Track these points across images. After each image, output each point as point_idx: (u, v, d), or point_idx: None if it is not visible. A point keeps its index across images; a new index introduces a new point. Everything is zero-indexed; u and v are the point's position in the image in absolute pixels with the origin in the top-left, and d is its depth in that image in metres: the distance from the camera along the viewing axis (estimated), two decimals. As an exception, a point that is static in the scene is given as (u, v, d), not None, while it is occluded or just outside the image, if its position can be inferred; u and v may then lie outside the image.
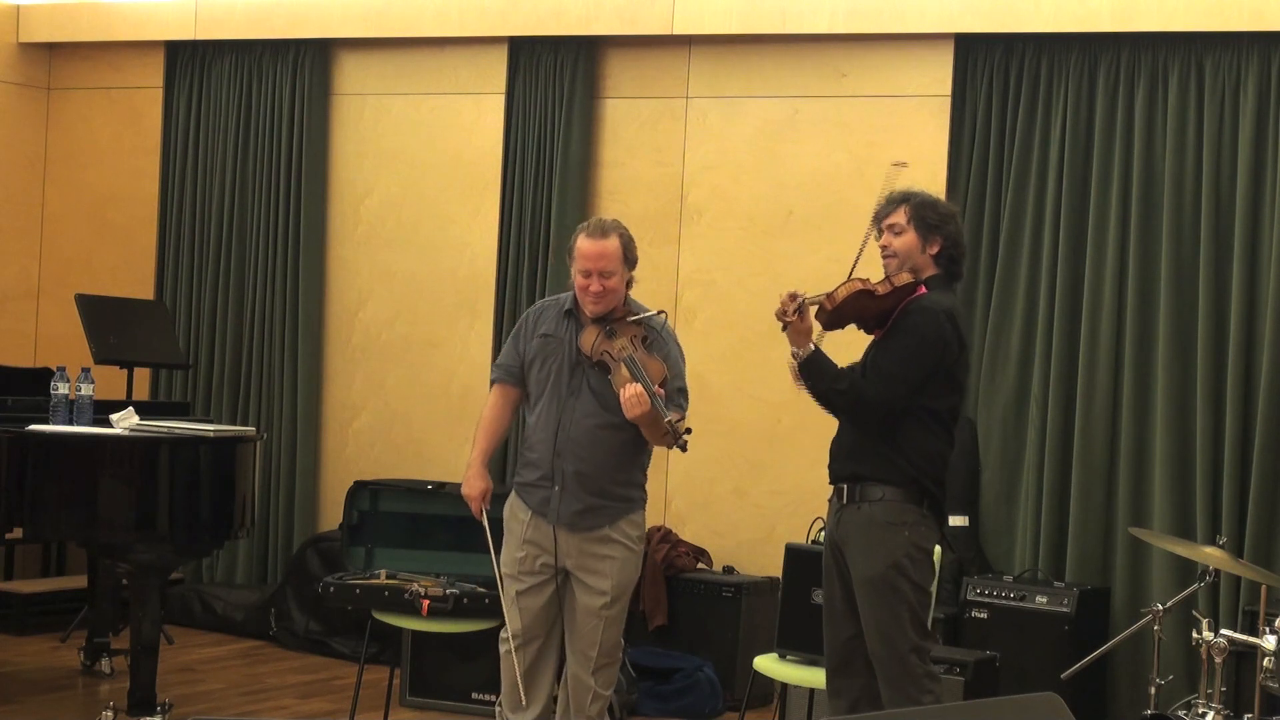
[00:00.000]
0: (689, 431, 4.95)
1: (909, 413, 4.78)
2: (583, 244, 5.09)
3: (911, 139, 7.18)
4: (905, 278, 4.81)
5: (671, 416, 4.92)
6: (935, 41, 7.12)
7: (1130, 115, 6.85)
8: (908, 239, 4.86)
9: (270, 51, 8.42)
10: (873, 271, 4.87)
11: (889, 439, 4.78)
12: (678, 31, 7.49)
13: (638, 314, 5.15)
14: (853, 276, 4.79)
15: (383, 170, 8.23)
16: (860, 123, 7.29)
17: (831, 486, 4.97)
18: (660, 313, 5.20)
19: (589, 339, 5.09)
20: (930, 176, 7.10)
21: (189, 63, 8.65)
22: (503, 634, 5.24)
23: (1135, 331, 6.81)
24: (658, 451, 7.45)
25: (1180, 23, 6.66)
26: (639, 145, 7.71)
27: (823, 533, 5.15)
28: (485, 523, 5.28)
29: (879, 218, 4.94)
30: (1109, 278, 6.84)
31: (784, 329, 4.76)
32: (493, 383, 5.38)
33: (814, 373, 4.78)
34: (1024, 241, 7.00)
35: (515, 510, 5.22)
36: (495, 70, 7.92)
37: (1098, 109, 6.89)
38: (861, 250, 4.86)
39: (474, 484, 5.28)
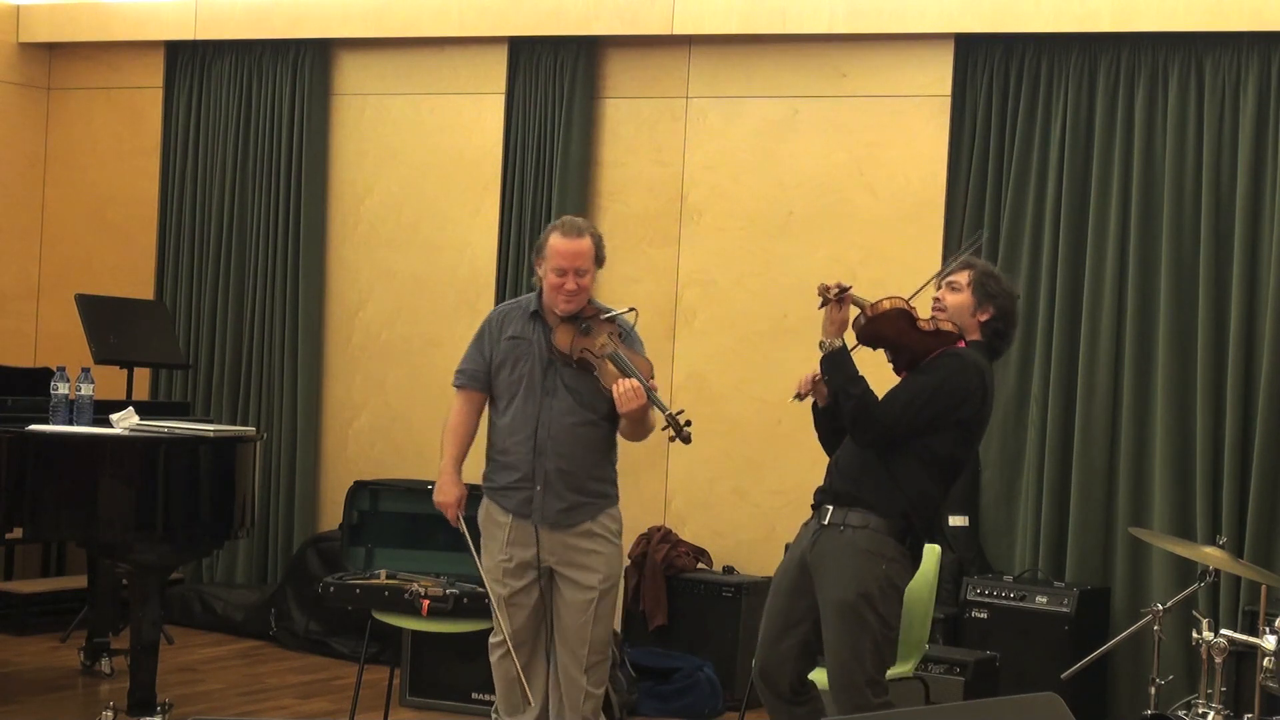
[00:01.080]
0: (689, 423, 4.95)
1: (913, 452, 4.76)
2: (558, 243, 5.13)
3: (911, 139, 7.18)
4: (950, 326, 4.81)
5: (670, 409, 4.94)
6: (935, 41, 7.12)
7: (1130, 115, 6.85)
8: (962, 299, 4.86)
9: (270, 51, 8.42)
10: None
11: (888, 471, 4.77)
12: (678, 31, 7.49)
13: (606, 312, 5.19)
14: (899, 295, 4.78)
15: (383, 170, 8.23)
16: (860, 123, 7.28)
17: (813, 509, 4.95)
18: (630, 310, 5.25)
19: (565, 338, 5.11)
20: (930, 176, 7.12)
21: (189, 63, 8.65)
22: (492, 639, 5.26)
23: (1135, 331, 6.81)
24: (657, 451, 7.49)
25: (1180, 23, 6.66)
26: (639, 145, 7.71)
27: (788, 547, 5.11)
28: (464, 528, 5.28)
29: (943, 274, 4.96)
30: (1109, 278, 6.84)
31: (821, 305, 4.74)
32: (456, 388, 5.35)
33: (834, 367, 4.77)
34: (1024, 241, 7.00)
35: (493, 514, 5.23)
36: (495, 70, 7.92)
37: (1098, 109, 6.89)
38: (919, 290, 4.88)
39: (449, 491, 5.28)
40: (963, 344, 4.83)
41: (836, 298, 4.73)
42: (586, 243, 5.13)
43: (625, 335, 5.18)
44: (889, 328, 4.77)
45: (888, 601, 4.75)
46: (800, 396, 4.91)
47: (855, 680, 4.73)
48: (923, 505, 4.79)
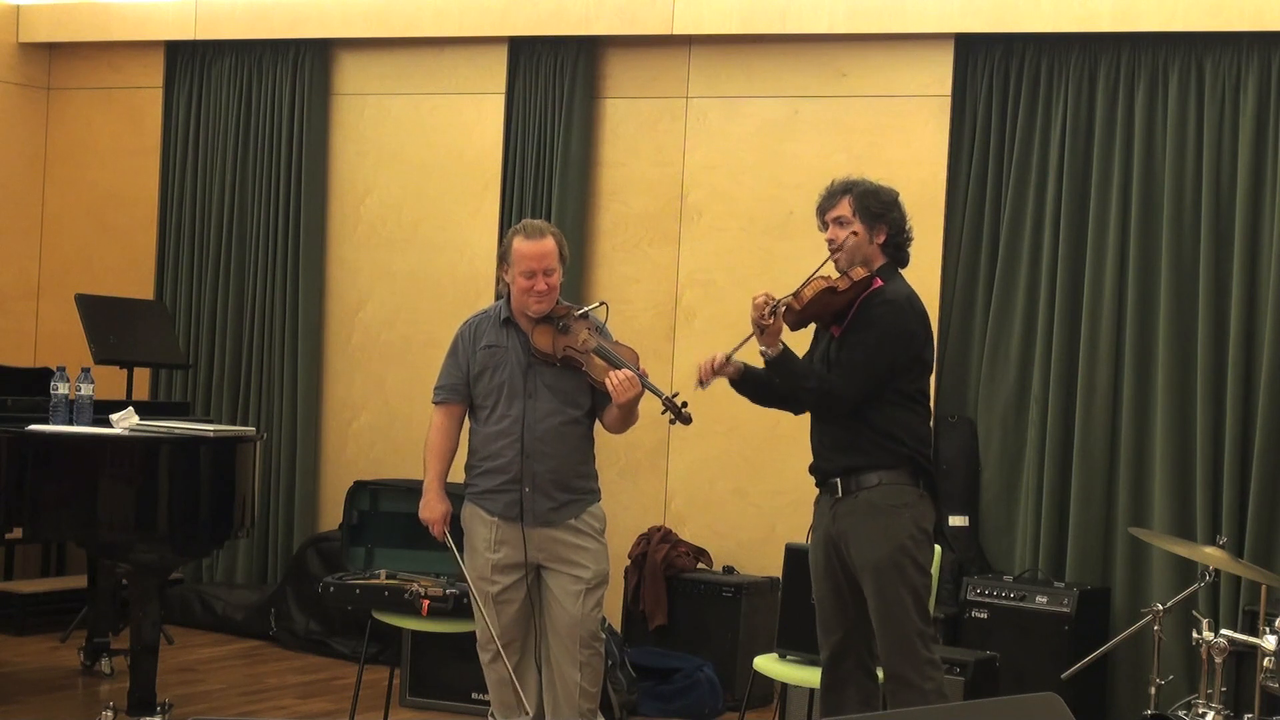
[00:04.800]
0: (686, 404, 5.00)
1: (887, 400, 4.83)
2: (523, 245, 5.17)
3: (911, 139, 7.18)
4: (860, 271, 4.86)
5: (666, 392, 5.01)
6: (935, 41, 7.12)
7: (1130, 115, 6.85)
8: (854, 231, 4.89)
9: (270, 51, 8.42)
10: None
11: (875, 427, 4.83)
12: (678, 31, 7.49)
13: (577, 309, 5.23)
14: (815, 276, 4.84)
15: (383, 170, 8.23)
16: (860, 123, 7.29)
17: (818, 488, 5.00)
18: (600, 304, 5.34)
19: (545, 339, 5.15)
20: (930, 176, 7.12)
21: (189, 63, 8.65)
22: (481, 643, 5.26)
23: (1135, 331, 6.81)
24: (657, 451, 7.49)
25: (1180, 23, 6.66)
26: (639, 145, 7.71)
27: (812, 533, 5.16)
28: (450, 542, 5.30)
29: (822, 210, 4.97)
30: (1109, 278, 6.84)
31: (761, 334, 4.79)
32: (437, 404, 5.37)
33: (784, 372, 4.85)
34: (1024, 241, 7.00)
35: (479, 515, 5.25)
36: (495, 70, 7.92)
37: (1098, 109, 6.89)
38: (827, 261, 4.93)
39: (435, 507, 5.32)
40: (878, 281, 4.86)
41: (771, 314, 4.76)
42: (550, 242, 5.18)
43: (600, 330, 5.25)
44: (815, 308, 4.86)
45: (920, 548, 4.82)
46: (704, 384, 4.94)
47: (906, 634, 4.77)
48: (920, 442, 4.87)
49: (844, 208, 4.91)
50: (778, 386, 4.93)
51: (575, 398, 5.19)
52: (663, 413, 5.03)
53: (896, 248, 4.95)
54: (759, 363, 4.95)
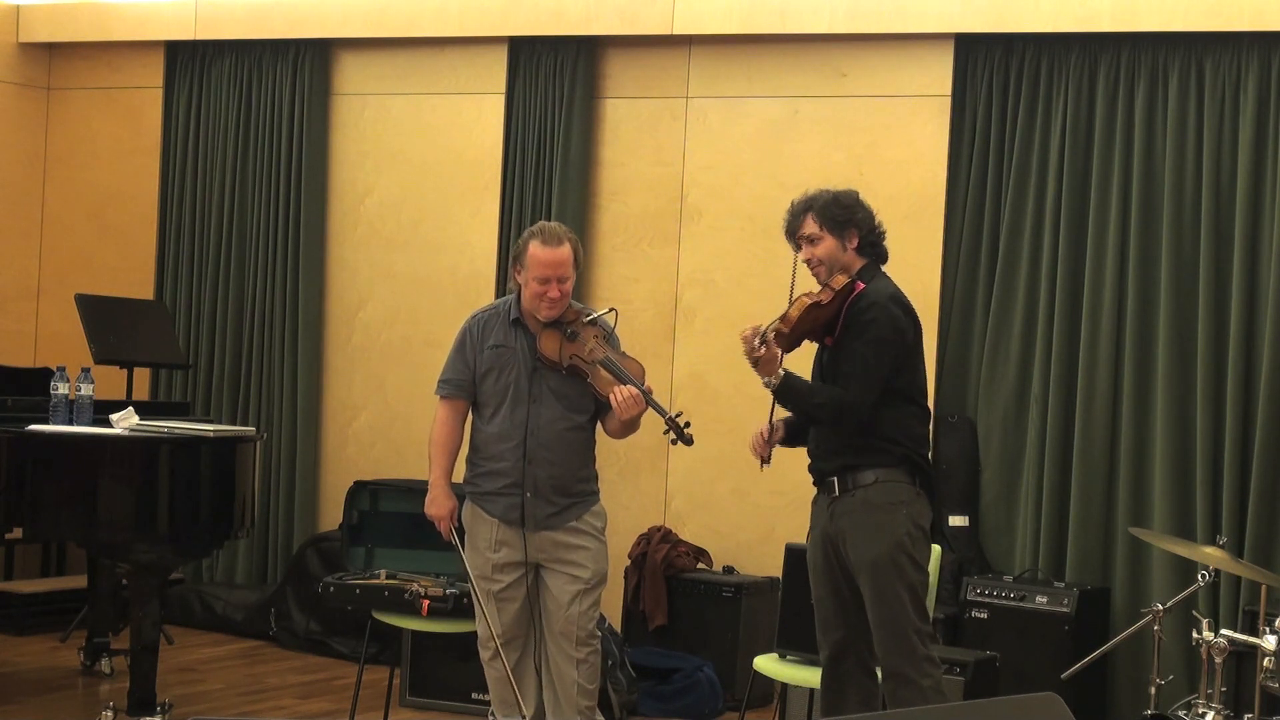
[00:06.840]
0: (689, 424, 4.99)
1: (882, 399, 4.84)
2: (539, 252, 5.13)
3: (911, 139, 7.18)
4: (841, 279, 4.87)
5: (671, 412, 4.99)
6: (935, 41, 7.12)
7: (1130, 115, 6.85)
8: (827, 244, 4.92)
9: (270, 51, 8.42)
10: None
11: (872, 429, 4.84)
12: (678, 31, 7.49)
13: (587, 314, 5.20)
14: (796, 296, 4.85)
15: (383, 170, 8.23)
16: (860, 123, 7.29)
17: (815, 487, 5.01)
18: (610, 310, 5.29)
19: (552, 345, 5.13)
20: (930, 176, 7.12)
21: (189, 63, 8.65)
22: (482, 641, 5.26)
23: (1135, 331, 6.81)
24: (657, 451, 7.49)
25: (1180, 23, 6.66)
26: (639, 145, 7.71)
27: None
28: (455, 540, 5.29)
29: (790, 232, 4.99)
30: (1109, 278, 6.84)
31: (757, 366, 4.81)
32: (442, 398, 5.34)
33: (790, 396, 4.87)
34: (1024, 241, 7.00)
35: (479, 515, 5.25)
36: (495, 70, 7.92)
37: (1098, 109, 6.89)
38: (795, 270, 4.93)
39: (442, 504, 5.30)
40: (860, 285, 4.87)
41: (762, 343, 4.78)
42: (566, 250, 5.15)
43: (608, 336, 5.23)
44: (804, 326, 4.86)
45: (917, 545, 4.84)
46: (767, 460, 4.99)
47: (904, 631, 4.79)
48: (916, 441, 4.89)
49: (810, 225, 4.93)
50: (791, 409, 4.95)
51: (579, 404, 5.18)
52: (665, 432, 5.01)
53: (872, 245, 4.96)
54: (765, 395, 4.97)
